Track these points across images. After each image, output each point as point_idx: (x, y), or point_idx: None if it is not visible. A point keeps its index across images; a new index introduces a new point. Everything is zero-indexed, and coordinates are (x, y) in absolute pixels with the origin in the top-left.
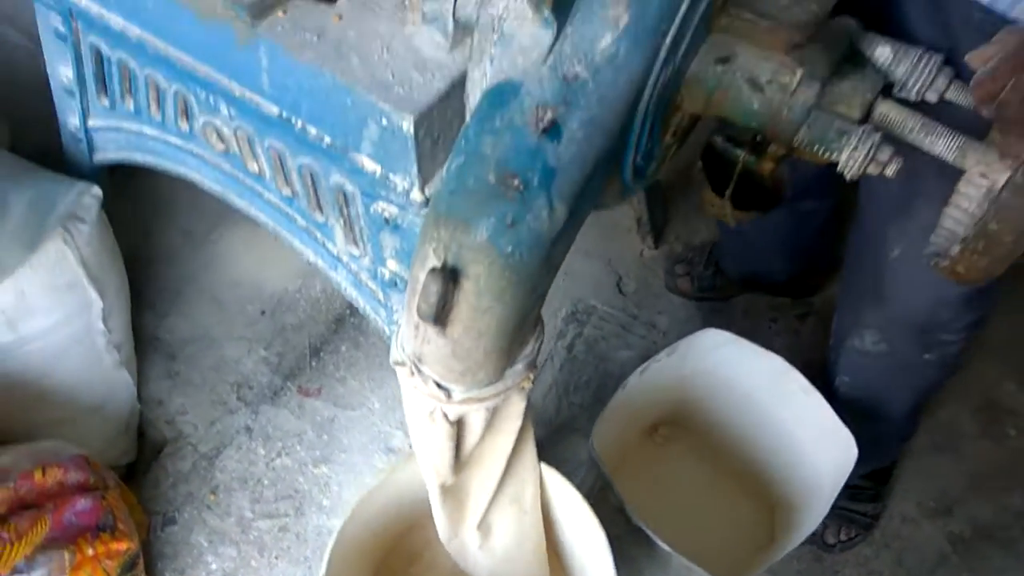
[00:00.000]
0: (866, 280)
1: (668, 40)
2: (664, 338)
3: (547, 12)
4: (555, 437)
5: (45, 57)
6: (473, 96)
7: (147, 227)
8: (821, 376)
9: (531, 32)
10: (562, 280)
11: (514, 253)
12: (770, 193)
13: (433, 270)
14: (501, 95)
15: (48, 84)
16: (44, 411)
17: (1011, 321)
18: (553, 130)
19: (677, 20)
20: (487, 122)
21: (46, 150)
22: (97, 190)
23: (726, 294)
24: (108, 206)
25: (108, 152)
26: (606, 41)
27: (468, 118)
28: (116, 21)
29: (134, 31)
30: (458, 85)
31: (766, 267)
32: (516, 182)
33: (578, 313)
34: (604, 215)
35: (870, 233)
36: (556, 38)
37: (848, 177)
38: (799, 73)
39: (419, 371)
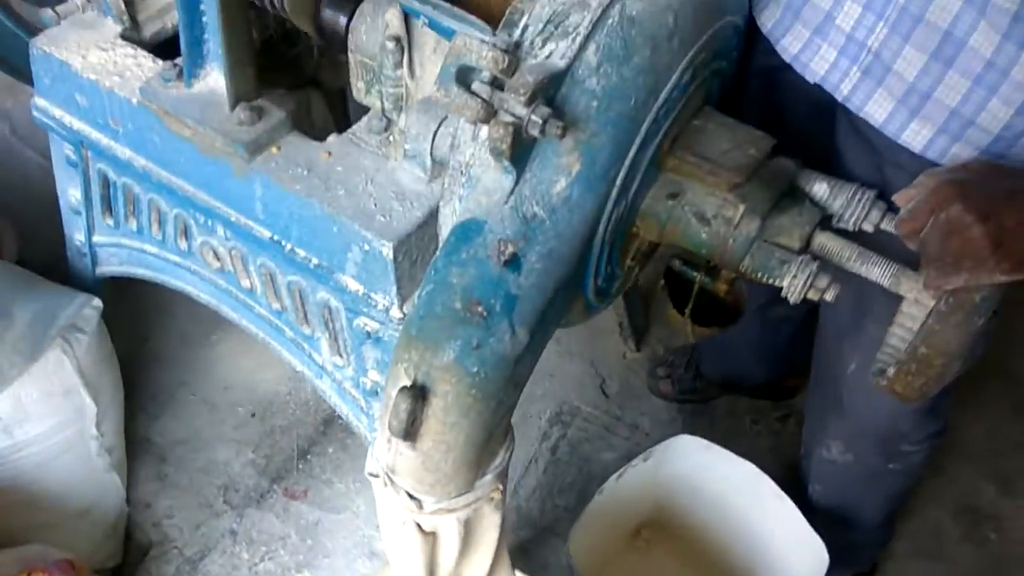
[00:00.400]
0: (828, 393)
1: (619, 182)
2: (647, 439)
3: (506, 162)
4: (539, 539)
5: (56, 179)
6: (444, 228)
7: (146, 331)
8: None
9: (494, 177)
10: (547, 381)
11: (479, 372)
12: (730, 309)
13: (403, 389)
14: (467, 231)
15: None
16: (32, 515)
17: (988, 426)
18: (514, 262)
19: (626, 165)
20: (454, 255)
21: (53, 260)
22: (97, 302)
23: (707, 396)
24: (108, 311)
25: (110, 266)
26: (561, 185)
27: (438, 250)
28: (124, 152)
29: (140, 161)
30: (435, 213)
31: (744, 371)
32: (480, 308)
33: (562, 414)
34: None
35: (828, 348)
36: (516, 182)
37: (791, 301)
38: (741, 208)
39: (392, 482)
